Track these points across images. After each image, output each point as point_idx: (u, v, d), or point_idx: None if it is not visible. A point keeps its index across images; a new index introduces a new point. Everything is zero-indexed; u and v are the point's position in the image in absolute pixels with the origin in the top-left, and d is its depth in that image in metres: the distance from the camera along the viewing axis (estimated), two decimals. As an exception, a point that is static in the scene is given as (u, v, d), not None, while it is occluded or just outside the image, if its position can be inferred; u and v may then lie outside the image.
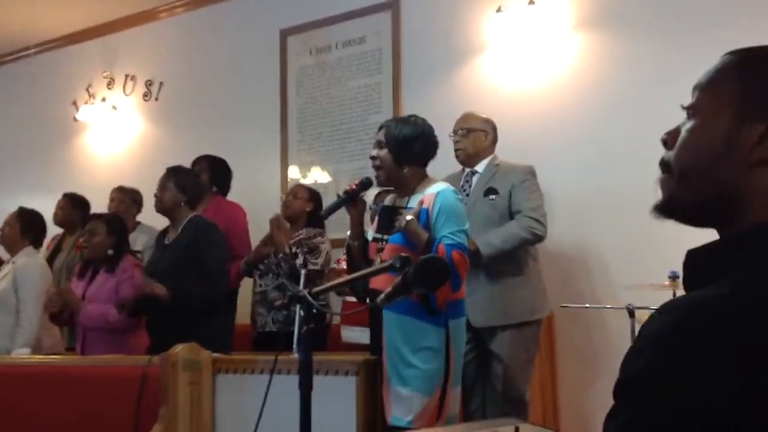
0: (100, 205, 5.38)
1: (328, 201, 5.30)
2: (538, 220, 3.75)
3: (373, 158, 3.13)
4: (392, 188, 3.27)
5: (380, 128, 3.16)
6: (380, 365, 2.95)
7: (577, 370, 4.41)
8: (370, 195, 3.43)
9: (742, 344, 0.84)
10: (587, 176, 4.46)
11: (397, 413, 2.87)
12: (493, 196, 3.80)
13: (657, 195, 1.03)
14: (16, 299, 4.71)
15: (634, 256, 4.21)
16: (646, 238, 4.18)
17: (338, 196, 3.19)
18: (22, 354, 4.31)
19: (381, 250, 3.04)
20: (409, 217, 2.87)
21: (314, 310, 1.81)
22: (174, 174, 4.22)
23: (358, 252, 3.14)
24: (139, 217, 5.39)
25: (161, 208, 4.21)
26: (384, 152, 3.09)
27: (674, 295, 3.38)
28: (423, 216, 2.96)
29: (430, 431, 2.32)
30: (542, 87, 4.66)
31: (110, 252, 4.34)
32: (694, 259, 0.97)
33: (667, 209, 1.02)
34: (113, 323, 4.18)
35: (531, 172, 3.90)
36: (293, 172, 5.62)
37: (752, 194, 0.93)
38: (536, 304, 3.82)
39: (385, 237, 3.05)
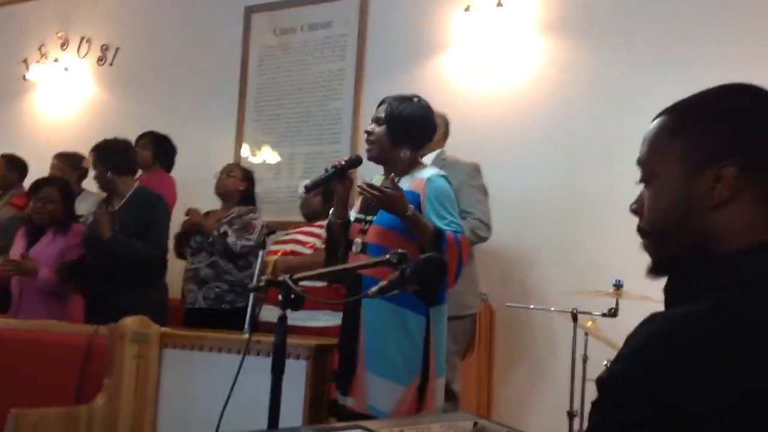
0: (43, 166, 5.28)
1: (270, 184, 5.33)
2: (485, 223, 3.82)
3: (368, 132, 3.05)
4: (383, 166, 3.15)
5: (381, 103, 3.08)
6: (333, 349, 2.97)
7: (515, 367, 4.52)
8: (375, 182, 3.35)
9: (722, 356, 0.93)
10: (542, 178, 4.53)
11: (374, 402, 2.83)
12: None
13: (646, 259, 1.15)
14: None
15: (579, 262, 4.32)
16: (593, 244, 4.30)
17: (326, 170, 3.04)
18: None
19: (364, 231, 2.97)
20: (410, 212, 2.80)
21: (293, 295, 1.83)
22: (95, 153, 4.30)
23: (340, 231, 3.05)
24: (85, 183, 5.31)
25: (100, 187, 4.38)
26: (381, 129, 3.01)
27: (617, 303, 3.49)
28: (415, 201, 2.90)
29: (392, 420, 2.32)
30: (504, 88, 4.73)
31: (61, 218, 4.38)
32: (681, 275, 1.08)
33: (660, 270, 1.13)
34: (42, 281, 4.23)
35: (477, 170, 3.96)
36: (245, 151, 5.59)
37: (722, 231, 1.06)
38: (466, 301, 3.87)
39: (369, 218, 2.98)
